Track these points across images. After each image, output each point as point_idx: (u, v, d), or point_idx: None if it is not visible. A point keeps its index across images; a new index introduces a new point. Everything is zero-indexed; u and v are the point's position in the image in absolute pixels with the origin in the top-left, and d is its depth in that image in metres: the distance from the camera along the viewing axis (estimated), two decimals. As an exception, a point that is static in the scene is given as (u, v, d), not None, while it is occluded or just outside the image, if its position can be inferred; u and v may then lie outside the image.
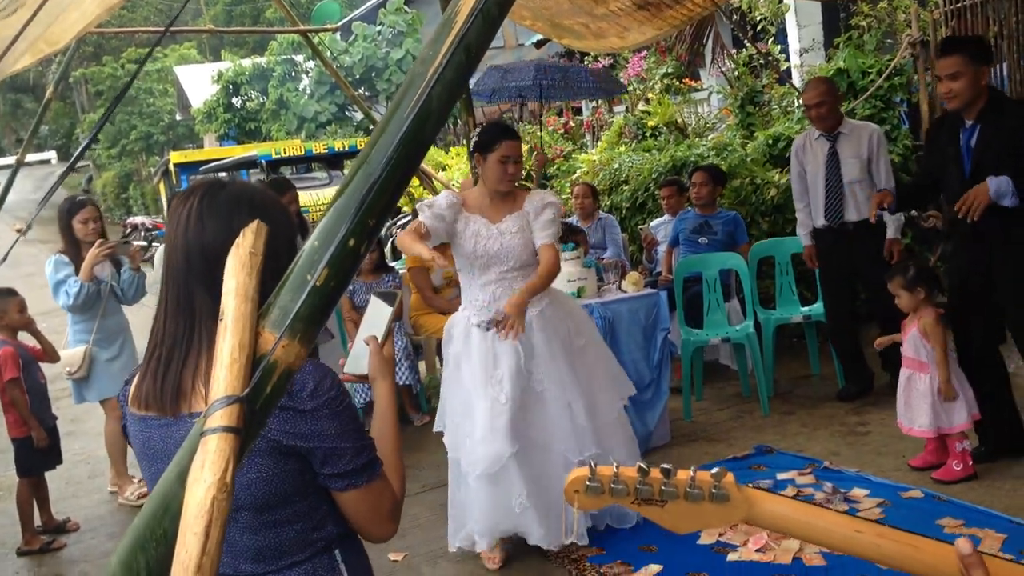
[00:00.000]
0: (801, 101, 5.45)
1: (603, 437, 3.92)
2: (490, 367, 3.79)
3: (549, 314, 3.90)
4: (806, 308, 5.90)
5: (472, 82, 7.58)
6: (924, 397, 4.18)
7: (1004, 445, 4.29)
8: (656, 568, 3.67)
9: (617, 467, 1.18)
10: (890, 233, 5.20)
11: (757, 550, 3.70)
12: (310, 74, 22.64)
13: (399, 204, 13.84)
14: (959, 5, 7.24)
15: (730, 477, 1.17)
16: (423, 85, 0.93)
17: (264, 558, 1.54)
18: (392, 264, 6.97)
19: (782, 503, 1.19)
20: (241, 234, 0.95)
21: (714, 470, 1.18)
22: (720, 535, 3.90)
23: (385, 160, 0.93)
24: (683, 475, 1.17)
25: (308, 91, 22.15)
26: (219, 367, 0.89)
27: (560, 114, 12.49)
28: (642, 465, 1.17)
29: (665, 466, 1.17)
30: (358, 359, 1.73)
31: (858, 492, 4.14)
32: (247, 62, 24.32)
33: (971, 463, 4.17)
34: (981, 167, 3.96)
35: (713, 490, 1.17)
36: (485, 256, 3.79)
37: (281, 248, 1.37)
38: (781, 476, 4.42)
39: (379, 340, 1.72)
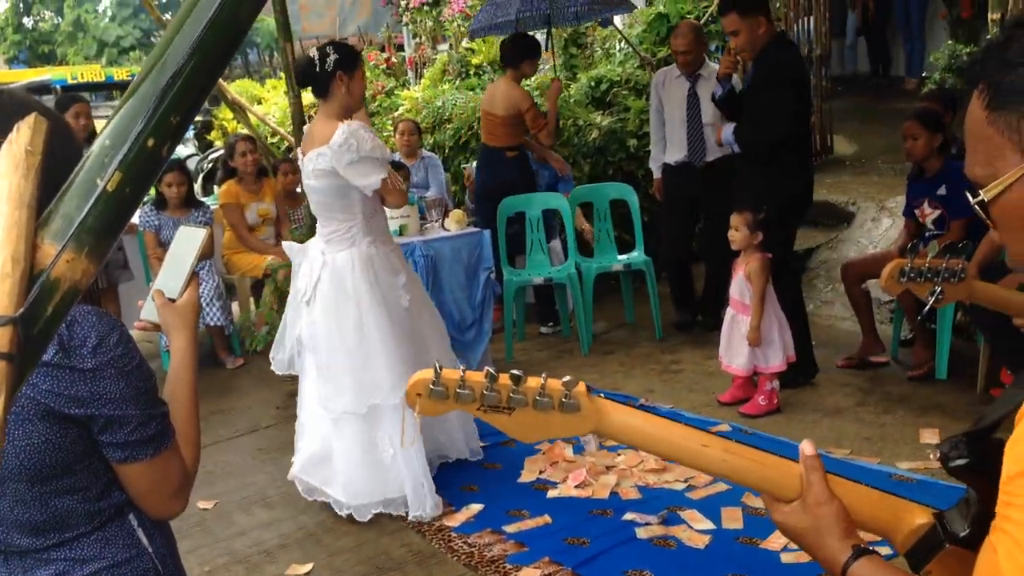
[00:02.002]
0: (671, 46, 5.48)
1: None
2: (395, 282, 3.74)
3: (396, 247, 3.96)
4: (624, 256, 5.98)
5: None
6: (744, 338, 4.35)
7: (798, 376, 4.62)
8: (477, 507, 3.68)
9: (464, 371, 1.12)
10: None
11: (576, 486, 3.77)
12: (111, -5, 21.12)
13: (211, 139, 13.19)
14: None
15: (582, 387, 1.13)
16: (236, -40, 0.81)
17: (43, 531, 1.34)
18: (203, 199, 6.60)
19: (633, 415, 1.16)
20: (15, 128, 0.80)
21: (566, 379, 1.13)
22: (540, 472, 3.95)
23: (191, 46, 0.81)
24: (533, 383, 1.13)
25: (109, 13, 20.67)
26: (-13, 284, 0.75)
27: (382, 49, 12.16)
28: (491, 370, 1.11)
29: (515, 372, 1.11)
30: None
31: (671, 426, 4.28)
32: (39, -21, 22.40)
33: (776, 399, 4.40)
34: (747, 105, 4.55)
35: (563, 399, 1.12)
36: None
37: (62, 159, 1.15)
38: (599, 412, 4.51)
39: (182, 281, 1.50)
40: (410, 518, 3.62)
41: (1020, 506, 0.83)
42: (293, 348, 3.85)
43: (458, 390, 1.12)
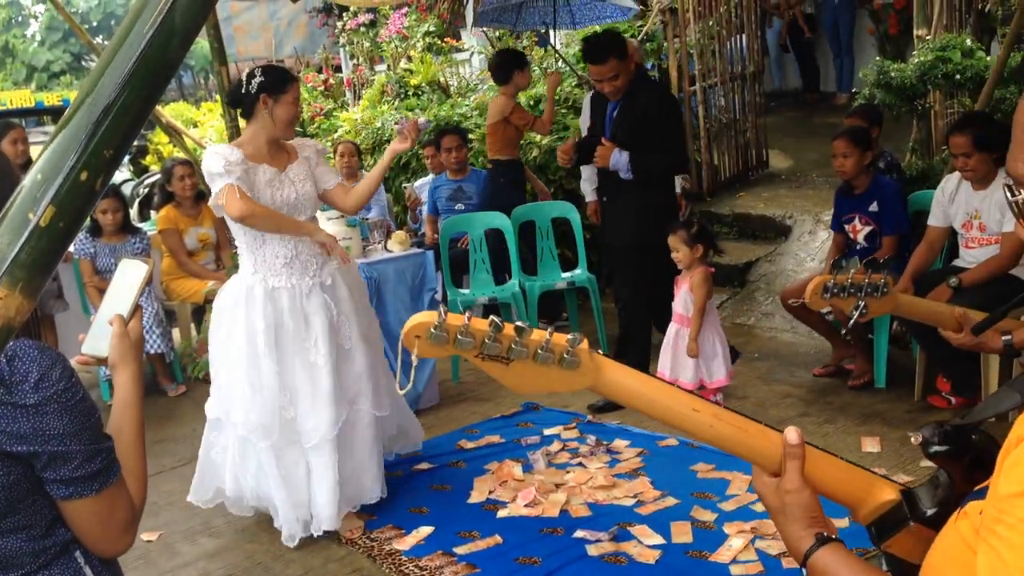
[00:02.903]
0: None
1: (394, 396, 3.91)
2: (301, 329, 3.60)
3: (348, 270, 3.85)
4: (568, 274, 5.98)
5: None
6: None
7: None
8: (428, 530, 3.65)
9: (469, 317, 1.14)
10: (677, 187, 5.31)
11: (526, 505, 3.77)
12: (39, 19, 20.74)
13: (146, 163, 13.00)
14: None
15: (585, 344, 1.17)
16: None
17: None
18: (139, 225, 6.49)
19: (630, 375, 1.20)
20: (-57, 166, 0.79)
21: (571, 335, 1.17)
22: (490, 492, 3.94)
23: (120, 82, 0.80)
24: (537, 336, 1.16)
25: (38, 38, 20.31)
26: (-85, 325, 0.73)
27: (319, 71, 12.12)
28: (496, 319, 1.14)
29: (520, 324, 1.14)
30: (98, 338, 1.50)
31: (619, 443, 4.31)
32: (-36, 3, 21.90)
33: (721, 414, 4.45)
34: (616, 138, 4.70)
35: (565, 355, 1.16)
36: (285, 207, 3.59)
37: None
38: (547, 431, 4.53)
39: (126, 314, 1.49)
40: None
41: (1011, 525, 0.85)
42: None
43: (459, 336, 1.14)
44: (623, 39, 4.87)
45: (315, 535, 3.65)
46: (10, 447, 1.24)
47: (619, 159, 4.65)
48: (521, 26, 7.08)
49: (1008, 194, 0.97)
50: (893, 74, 5.19)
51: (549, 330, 1.16)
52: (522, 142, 6.83)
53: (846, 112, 5.57)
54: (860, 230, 4.70)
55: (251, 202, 3.45)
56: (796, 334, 5.42)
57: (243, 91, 3.57)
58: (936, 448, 1.14)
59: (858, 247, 4.73)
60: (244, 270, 3.68)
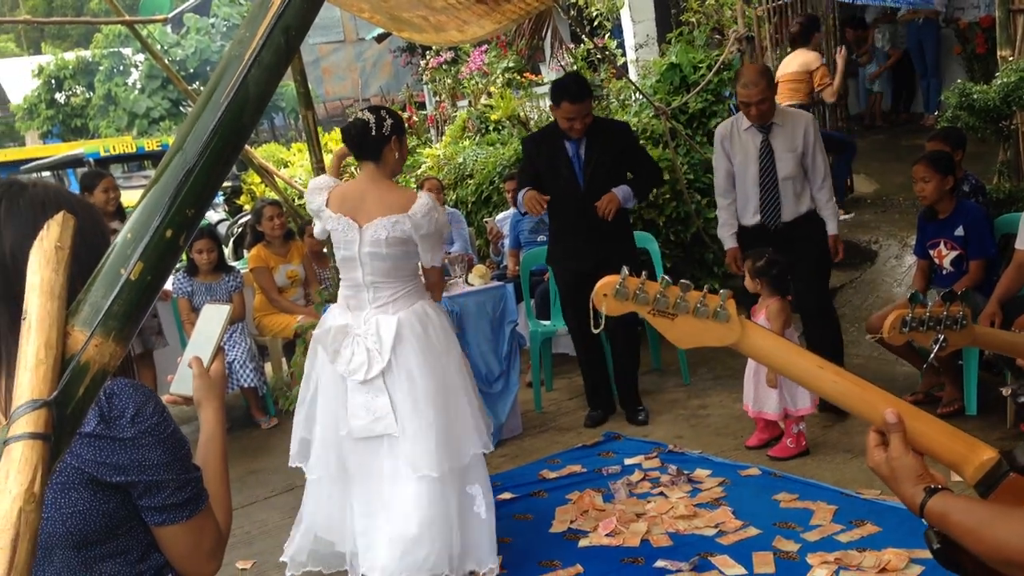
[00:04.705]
0: (737, 97, 4.79)
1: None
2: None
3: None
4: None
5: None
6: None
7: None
8: (510, 559, 3.69)
9: (644, 278, 1.33)
10: (831, 229, 4.78)
11: (607, 534, 3.79)
12: (140, 68, 21.69)
13: (240, 203, 13.45)
14: (780, 3, 7.62)
15: (732, 302, 1.34)
16: (239, 69, 0.89)
17: None
18: (233, 264, 6.75)
19: (768, 337, 1.38)
20: (45, 227, 0.89)
21: (721, 291, 1.34)
22: (571, 522, 3.97)
23: (200, 148, 0.89)
24: (695, 294, 1.33)
25: (139, 86, 21.22)
26: (23, 370, 0.82)
27: (403, 109, 12.41)
28: (666, 277, 1.32)
29: (684, 281, 1.34)
30: (185, 378, 1.61)
31: (701, 472, 4.30)
32: (70, 55, 23.08)
33: (804, 441, 4.40)
34: (595, 174, 4.84)
35: (719, 308, 1.33)
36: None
37: (90, 247, 1.23)
38: (628, 461, 4.54)
39: (208, 356, 1.60)
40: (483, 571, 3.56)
41: None
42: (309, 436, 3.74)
43: (637, 292, 1.31)
44: (587, 84, 5.01)
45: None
46: (110, 478, 1.34)
47: (625, 193, 4.83)
48: None
49: None
50: (976, 96, 5.09)
51: (705, 288, 1.34)
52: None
53: (928, 136, 5.46)
54: (946, 255, 4.61)
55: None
56: (884, 361, 5.31)
57: (373, 134, 3.52)
58: (1022, 398, 1.31)
59: (944, 272, 4.63)
60: (424, 297, 3.66)
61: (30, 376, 0.82)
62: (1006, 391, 1.18)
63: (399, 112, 4.21)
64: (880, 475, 1.35)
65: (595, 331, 1.35)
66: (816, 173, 4.76)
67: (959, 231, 4.52)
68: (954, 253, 4.57)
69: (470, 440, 3.56)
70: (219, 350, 1.63)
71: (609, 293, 1.32)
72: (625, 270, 1.32)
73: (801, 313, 4.96)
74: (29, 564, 0.79)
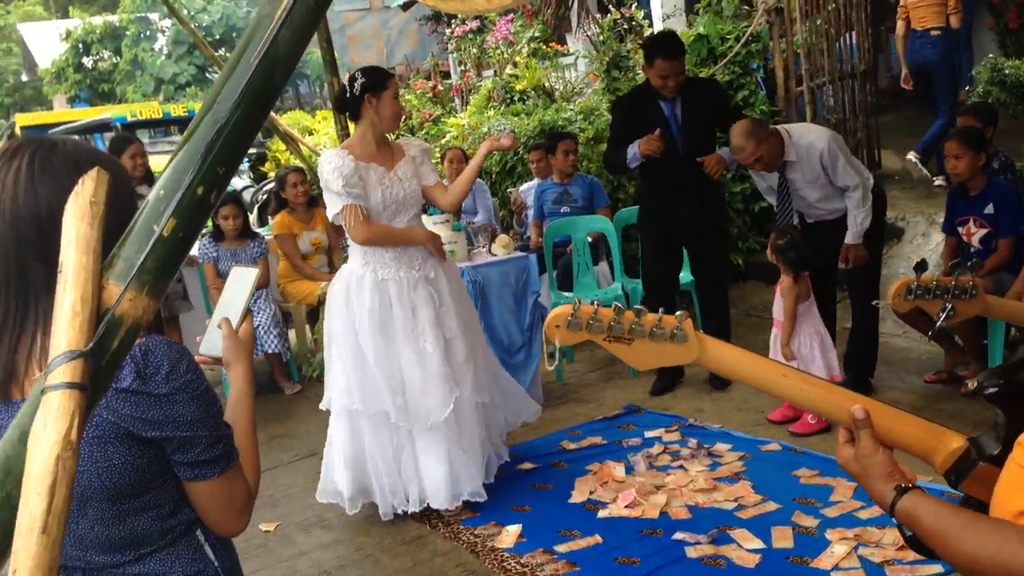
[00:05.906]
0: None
1: (500, 381, 4.19)
2: (410, 319, 3.80)
3: (448, 264, 4.06)
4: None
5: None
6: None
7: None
8: (529, 527, 3.73)
9: (597, 306, 1.34)
10: (849, 239, 4.54)
11: (626, 506, 3.81)
12: (167, 33, 21.73)
13: (265, 170, 13.51)
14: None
15: (689, 322, 1.34)
16: (270, 28, 0.90)
17: (118, 549, 1.44)
18: (258, 230, 6.79)
19: (727, 349, 1.37)
20: (80, 182, 0.90)
21: (677, 313, 1.34)
22: (591, 492, 3.99)
23: (232, 106, 0.90)
24: (651, 317, 1.35)
25: (165, 51, 21.28)
26: (60, 322, 0.84)
27: (428, 78, 12.37)
28: (619, 305, 1.34)
29: (637, 307, 1.35)
30: (215, 339, 1.63)
31: (721, 447, 4.30)
32: (98, 20, 23.13)
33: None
34: (693, 134, 4.86)
35: (675, 331, 1.33)
36: (394, 204, 3.80)
37: (122, 204, 1.24)
38: (649, 434, 4.55)
39: (237, 318, 1.63)
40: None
41: None
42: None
43: (591, 322, 1.33)
44: (680, 42, 5.00)
45: (412, 511, 3.89)
46: (145, 432, 1.36)
47: (729, 156, 4.75)
48: None
49: None
50: (1008, 71, 5.02)
51: (660, 311, 1.34)
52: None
53: (959, 111, 5.39)
54: (975, 233, 4.56)
55: (370, 226, 3.72)
56: (909, 339, 5.28)
57: (348, 95, 3.79)
58: (989, 390, 1.27)
59: (972, 250, 4.59)
60: (354, 262, 3.89)
61: (66, 327, 0.83)
62: (971, 384, 1.18)
63: (392, 73, 4.25)
64: (850, 472, 1.35)
65: (549, 368, 1.37)
66: (842, 185, 4.50)
67: (989, 209, 4.48)
68: (983, 231, 4.52)
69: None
70: (247, 312, 1.65)
71: (562, 324, 1.33)
72: (576, 300, 1.35)
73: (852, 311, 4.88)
74: (66, 511, 0.81)
